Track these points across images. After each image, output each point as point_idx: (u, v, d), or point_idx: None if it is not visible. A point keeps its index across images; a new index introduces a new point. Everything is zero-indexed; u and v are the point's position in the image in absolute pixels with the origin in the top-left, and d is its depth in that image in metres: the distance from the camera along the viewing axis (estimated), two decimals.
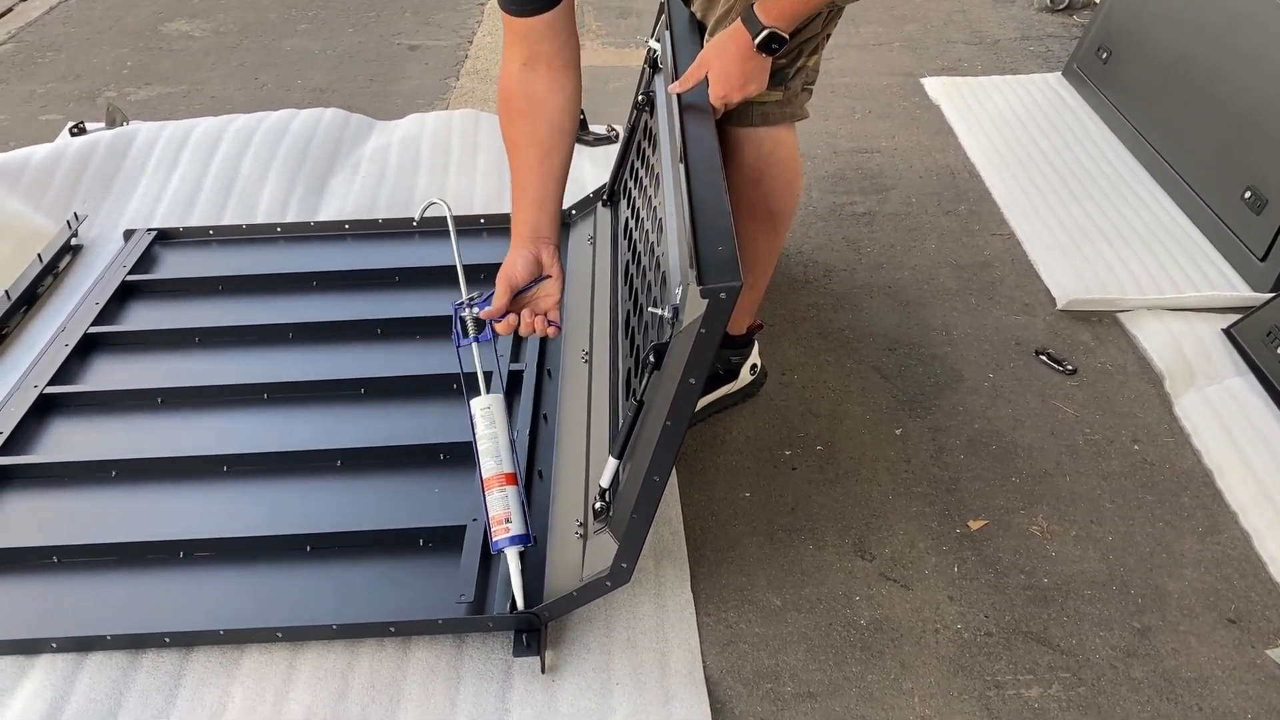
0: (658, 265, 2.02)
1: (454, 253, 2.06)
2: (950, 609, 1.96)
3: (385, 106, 4.01)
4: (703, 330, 1.52)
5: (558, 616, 1.86)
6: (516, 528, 1.81)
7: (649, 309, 1.99)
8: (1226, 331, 2.63)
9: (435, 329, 2.58)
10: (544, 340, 2.49)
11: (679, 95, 2.04)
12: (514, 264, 1.96)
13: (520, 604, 1.83)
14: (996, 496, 2.20)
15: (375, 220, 3.01)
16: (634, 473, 1.74)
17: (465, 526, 2.01)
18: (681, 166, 1.90)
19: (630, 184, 2.62)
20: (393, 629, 1.85)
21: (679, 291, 1.70)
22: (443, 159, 3.43)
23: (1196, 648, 1.89)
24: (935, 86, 4.07)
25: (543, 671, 1.82)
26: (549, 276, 2.00)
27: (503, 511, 1.82)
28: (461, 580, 1.89)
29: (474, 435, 1.88)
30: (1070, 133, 3.66)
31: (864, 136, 3.71)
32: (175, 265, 2.88)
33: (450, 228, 2.08)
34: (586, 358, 2.38)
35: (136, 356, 2.55)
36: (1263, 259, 2.79)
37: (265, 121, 3.50)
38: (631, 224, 2.47)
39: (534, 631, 1.85)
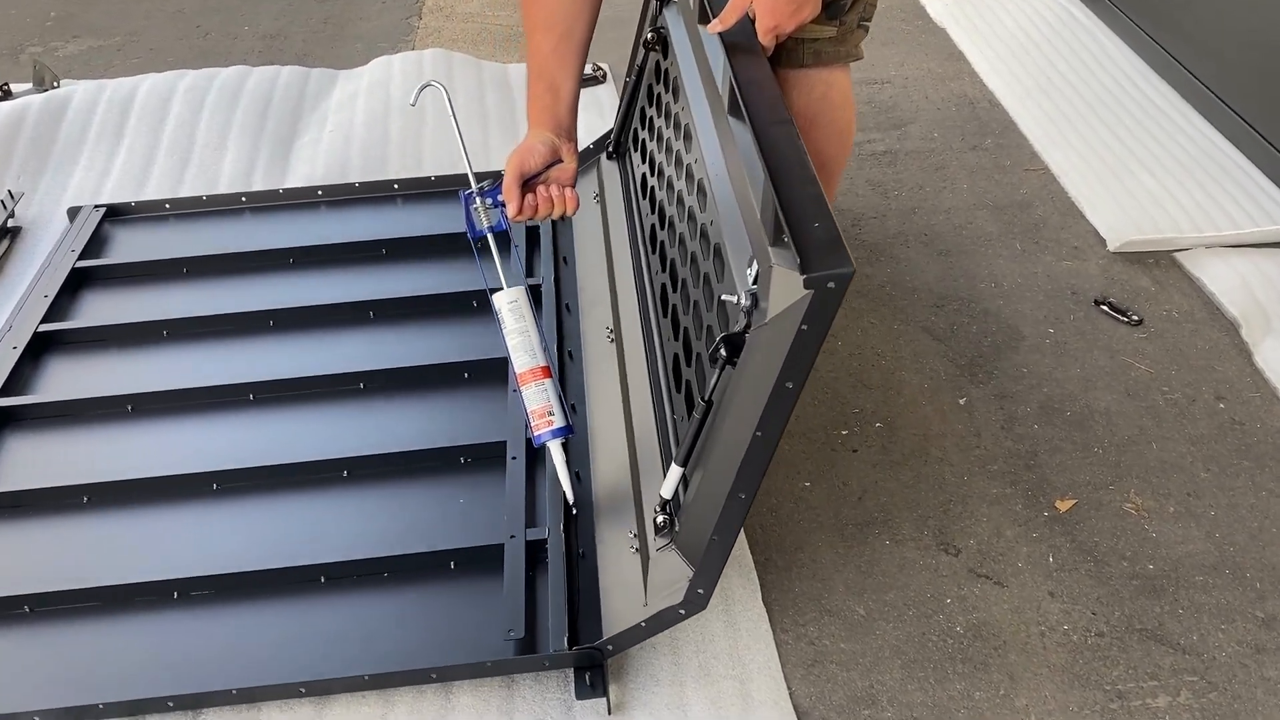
0: (703, 235, 1.76)
1: (458, 138, 1.84)
2: (1053, 607, 1.76)
3: (344, 52, 3.65)
4: (804, 327, 1.26)
5: (623, 650, 1.62)
6: (559, 420, 1.70)
7: (697, 288, 1.73)
8: None
9: (435, 309, 2.30)
10: (561, 319, 2.22)
11: (720, 35, 1.76)
12: (530, 148, 1.78)
13: (570, 497, 1.75)
14: (1080, 471, 1.99)
15: (351, 184, 2.69)
16: (709, 486, 1.49)
17: (502, 545, 1.75)
18: (735, 120, 1.63)
19: (644, 136, 2.34)
20: (434, 675, 1.60)
21: (751, 273, 1.44)
22: (416, 110, 3.10)
23: None
24: (938, 7, 3.79)
25: (609, 713, 1.59)
26: (560, 161, 1.81)
27: (543, 405, 1.70)
28: (508, 612, 1.64)
29: (502, 331, 1.75)
30: (1089, 54, 3.41)
31: (870, 66, 3.43)
32: (131, 247, 2.55)
33: (450, 110, 1.84)
34: (612, 336, 2.12)
35: (97, 357, 2.24)
36: None
37: (218, 80, 3.14)
38: (653, 182, 2.20)
39: (597, 668, 1.62)
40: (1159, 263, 2.52)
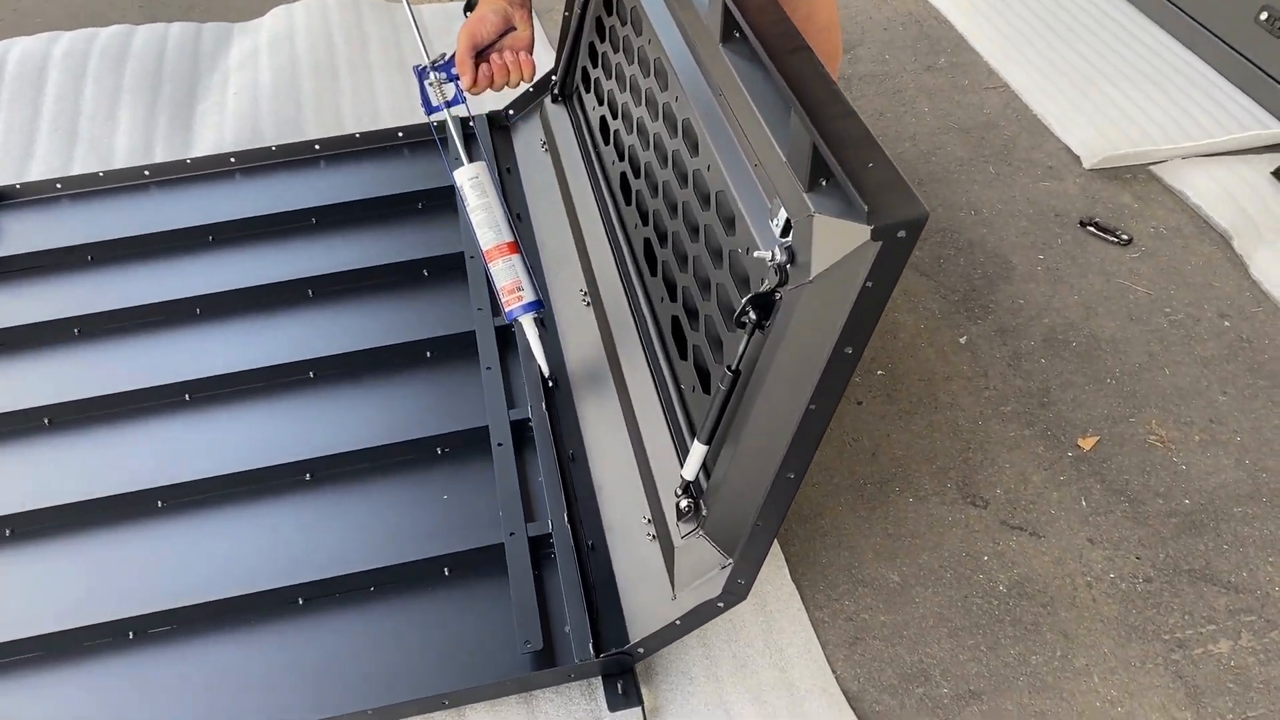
0: (695, 183, 1.58)
1: (409, 17, 1.73)
2: (1095, 555, 1.65)
3: (234, 2, 3.32)
4: (870, 284, 1.09)
5: (654, 652, 1.46)
6: (529, 294, 1.68)
7: (696, 242, 1.55)
8: (1277, 175, 2.35)
9: (383, 282, 2.08)
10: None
11: None
12: (482, 18, 1.66)
13: (545, 370, 1.73)
14: (1097, 404, 1.89)
15: (267, 149, 2.42)
16: (746, 466, 1.33)
17: (502, 545, 1.57)
18: (732, 51, 1.45)
19: (597, 74, 2.13)
20: (446, 701, 1.42)
21: (777, 224, 1.27)
22: (327, 60, 2.83)
23: None
24: None
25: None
26: (514, 29, 1.69)
27: (512, 280, 1.67)
28: (521, 622, 1.46)
29: (466, 208, 1.72)
30: None
31: None
32: (23, 235, 2.25)
33: None
34: (587, 298, 1.93)
35: (1, 364, 1.96)
36: None
37: (98, 42, 2.80)
38: (616, 125, 1.99)
39: (628, 674, 1.46)
40: (1137, 178, 2.42)
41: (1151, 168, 2.43)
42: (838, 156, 1.12)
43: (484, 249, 1.68)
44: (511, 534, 1.57)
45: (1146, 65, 2.75)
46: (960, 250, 2.24)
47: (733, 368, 1.32)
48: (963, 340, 2.02)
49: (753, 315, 1.27)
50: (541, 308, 1.70)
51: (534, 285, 1.69)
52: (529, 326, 1.71)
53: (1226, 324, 2.04)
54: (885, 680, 1.50)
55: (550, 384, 1.78)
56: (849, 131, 1.15)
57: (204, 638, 1.51)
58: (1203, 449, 1.80)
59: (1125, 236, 2.24)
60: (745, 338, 1.30)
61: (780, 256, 1.22)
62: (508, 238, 1.68)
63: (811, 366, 1.19)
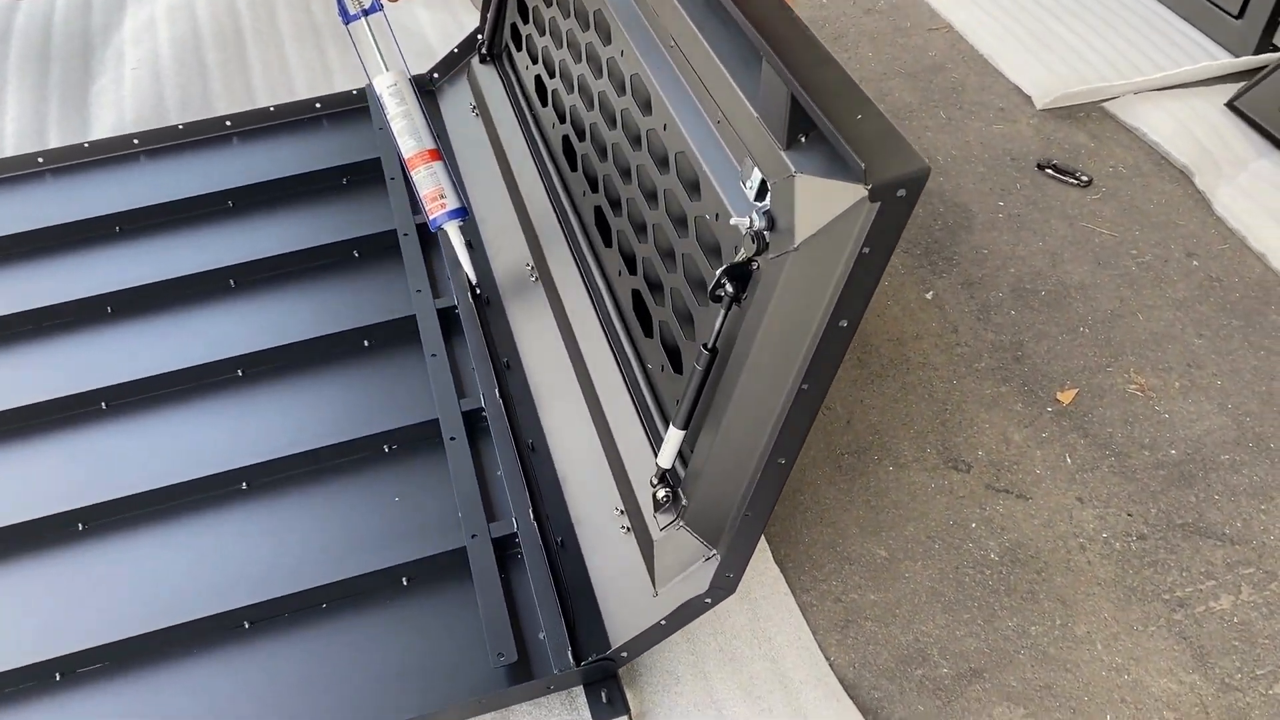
0: (650, 145, 1.45)
1: None
2: (1085, 515, 1.58)
3: None
4: (867, 250, 0.99)
5: (638, 655, 1.35)
6: (452, 202, 1.69)
7: (654, 209, 1.43)
8: (1231, 106, 2.29)
9: (309, 267, 1.92)
10: (470, 255, 1.88)
11: None
12: None
13: (472, 278, 1.74)
14: (1072, 355, 1.82)
15: (173, 128, 2.23)
16: (730, 451, 1.22)
17: (464, 549, 1.45)
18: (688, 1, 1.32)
19: (529, 31, 1.98)
20: None
21: (750, 186, 1.16)
22: (231, 28, 2.63)
23: None
24: None
25: None
26: None
27: (435, 188, 1.69)
28: (490, 633, 1.35)
29: (386, 115, 1.73)
30: None
31: None
32: None
33: None
34: (534, 274, 1.80)
35: None
36: (1239, 15, 2.45)
37: None
38: (554, 85, 1.86)
39: (611, 679, 1.35)
40: (1090, 116, 2.35)
41: (1105, 105, 2.36)
42: (822, 107, 1.00)
43: (405, 157, 1.70)
44: (473, 536, 1.45)
45: (1093, 1, 2.68)
46: (918, 201, 2.15)
47: (709, 346, 1.21)
48: (929, 296, 1.93)
49: (729, 288, 1.16)
50: (465, 215, 1.70)
51: (457, 193, 1.70)
52: (454, 234, 1.71)
53: (1195, 263, 1.98)
54: (881, 664, 1.41)
55: (477, 293, 1.77)
56: (829, 79, 1.04)
57: (140, 674, 1.37)
58: (1184, 395, 1.74)
59: (1085, 178, 2.17)
60: (722, 313, 1.19)
61: (758, 223, 1.11)
62: (429, 145, 1.70)
63: (801, 342, 1.08)
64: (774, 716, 1.34)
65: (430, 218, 1.68)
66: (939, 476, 1.63)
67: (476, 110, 2.17)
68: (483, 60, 2.21)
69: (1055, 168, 2.19)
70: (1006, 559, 1.53)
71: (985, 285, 1.95)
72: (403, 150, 1.69)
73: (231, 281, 1.90)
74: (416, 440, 1.62)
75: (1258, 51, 2.42)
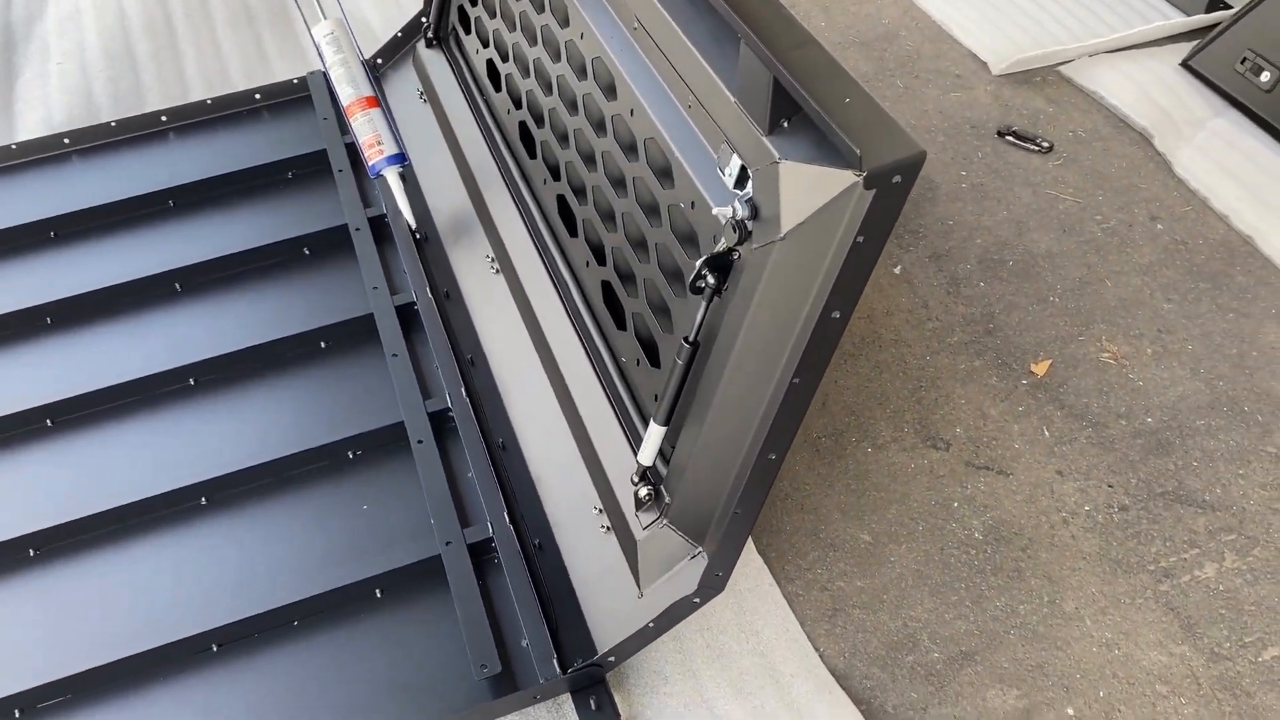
0: (610, 129, 1.40)
1: None
2: (1066, 488, 1.57)
3: None
4: (861, 238, 0.95)
5: (626, 659, 1.31)
6: (390, 147, 1.72)
7: (623, 197, 1.38)
8: (1186, 66, 2.29)
9: (259, 266, 1.85)
10: (423, 251, 1.82)
11: None
12: None
13: (411, 223, 1.77)
14: (1043, 325, 1.80)
15: (106, 125, 2.13)
16: (715, 447, 1.18)
17: (439, 557, 1.40)
18: None
19: (477, 13, 1.91)
20: None
21: (730, 173, 1.12)
22: (161, 17, 2.53)
23: None
24: None
25: None
26: None
27: (372, 134, 1.72)
28: (471, 644, 1.30)
29: (324, 64, 1.74)
30: None
31: None
32: None
33: None
34: (495, 265, 1.74)
35: None
36: None
37: None
38: (507, 69, 1.79)
39: (599, 685, 1.31)
40: (1047, 80, 2.33)
41: (1060, 69, 2.34)
42: (809, 91, 0.96)
43: (344, 105, 1.72)
44: (448, 543, 1.40)
45: None
46: None
47: (690, 339, 1.17)
48: (897, 270, 1.91)
49: (710, 279, 1.12)
50: (404, 160, 1.74)
51: (395, 139, 1.72)
52: (393, 180, 1.73)
53: (1159, 227, 1.97)
54: (872, 652, 1.39)
55: (417, 237, 1.80)
56: (813, 61, 0.99)
57: (107, 706, 1.31)
58: (1156, 362, 1.73)
59: (1045, 144, 2.15)
60: (703, 305, 1.14)
61: (741, 211, 1.07)
62: (366, 92, 1.73)
63: (790, 335, 1.04)
64: (767, 713, 1.31)
65: (369, 164, 1.72)
66: (918, 456, 1.61)
67: (424, 97, 2.10)
68: (429, 44, 2.13)
69: (1015, 135, 2.17)
70: (991, 537, 1.51)
71: (953, 258, 1.92)
72: (341, 98, 1.73)
73: (177, 285, 1.82)
74: (382, 445, 1.57)
75: (1209, 10, 2.42)
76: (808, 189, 1.00)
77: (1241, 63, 2.17)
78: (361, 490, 1.52)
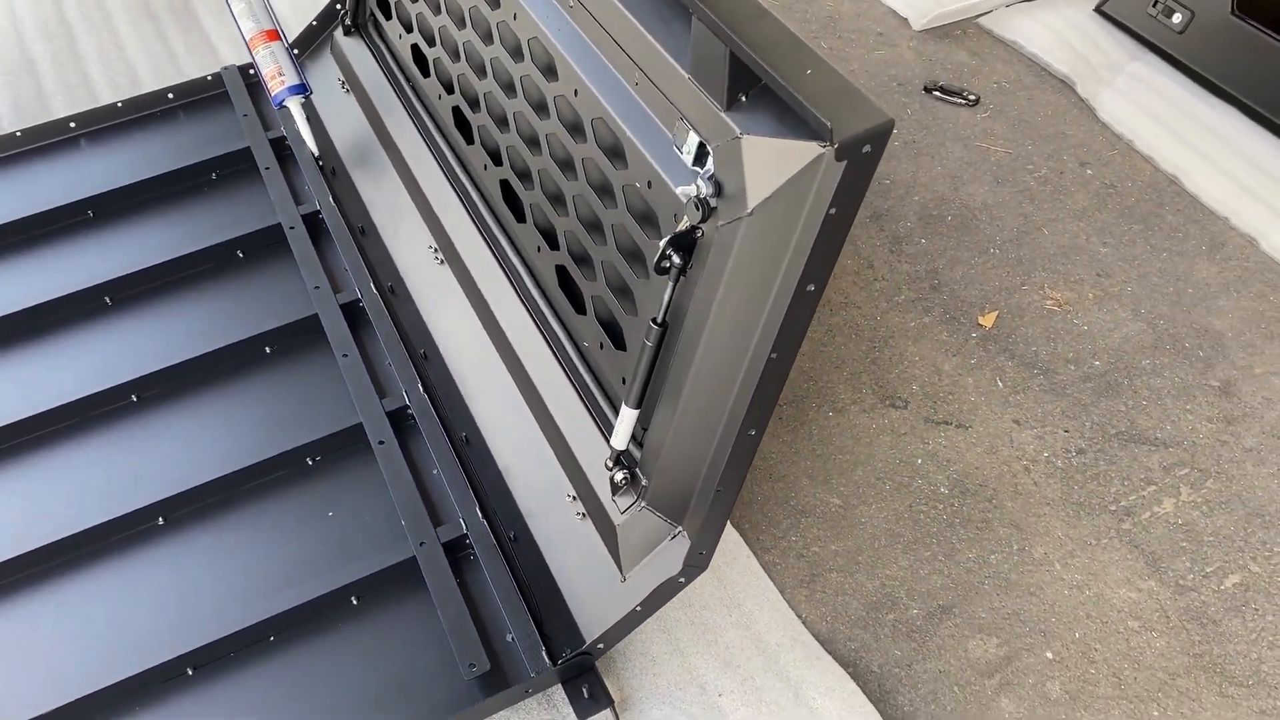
0: (554, 111, 1.38)
1: None
2: (1024, 436, 1.60)
3: None
4: (833, 210, 0.95)
5: (614, 645, 1.31)
6: (291, 78, 1.79)
7: (573, 179, 1.36)
8: (1100, 11, 2.33)
9: (192, 273, 1.79)
10: (363, 247, 1.78)
11: None
12: None
13: (315, 151, 1.86)
14: (987, 277, 1.83)
15: (11, 135, 2.03)
16: (689, 426, 1.18)
17: (414, 558, 1.38)
18: None
19: (404, 1, 1.86)
20: None
21: (687, 151, 1.10)
22: (56, 17, 2.41)
23: None
24: None
25: (617, 718, 1.30)
26: None
27: (274, 66, 1.79)
28: (457, 644, 1.28)
29: (229, 6, 1.80)
30: None
31: None
32: None
33: None
34: (439, 256, 1.71)
35: None
36: None
37: None
38: (435, 54, 1.75)
39: (589, 673, 1.31)
40: (967, 33, 2.35)
41: (979, 21, 2.37)
42: (772, 64, 0.95)
43: (247, 38, 1.78)
44: (421, 544, 1.38)
45: None
46: None
47: (659, 320, 1.16)
48: None
49: (676, 259, 1.11)
50: (305, 91, 1.81)
51: (296, 70, 1.80)
52: (295, 110, 1.80)
53: (1089, 172, 2.01)
54: (853, 613, 1.41)
55: (320, 164, 1.87)
56: (771, 34, 0.98)
57: None
58: (1098, 305, 1.77)
59: (972, 96, 2.17)
60: (670, 285, 1.13)
61: (704, 189, 1.06)
62: (267, 25, 1.79)
63: (764, 310, 1.04)
64: (757, 685, 1.32)
65: (272, 95, 1.79)
66: (878, 416, 1.63)
67: (347, 86, 2.04)
68: (347, 32, 2.07)
69: (942, 89, 2.19)
70: (956, 491, 1.53)
71: (893, 216, 1.94)
72: (244, 33, 1.79)
73: (107, 299, 1.75)
74: (340, 449, 1.53)
75: None
76: (773, 163, 0.99)
77: (1153, 5, 2.22)
78: (325, 497, 1.48)
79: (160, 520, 1.46)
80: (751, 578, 1.44)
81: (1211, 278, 1.80)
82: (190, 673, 1.32)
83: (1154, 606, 1.40)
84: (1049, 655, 1.36)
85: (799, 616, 1.40)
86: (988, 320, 1.76)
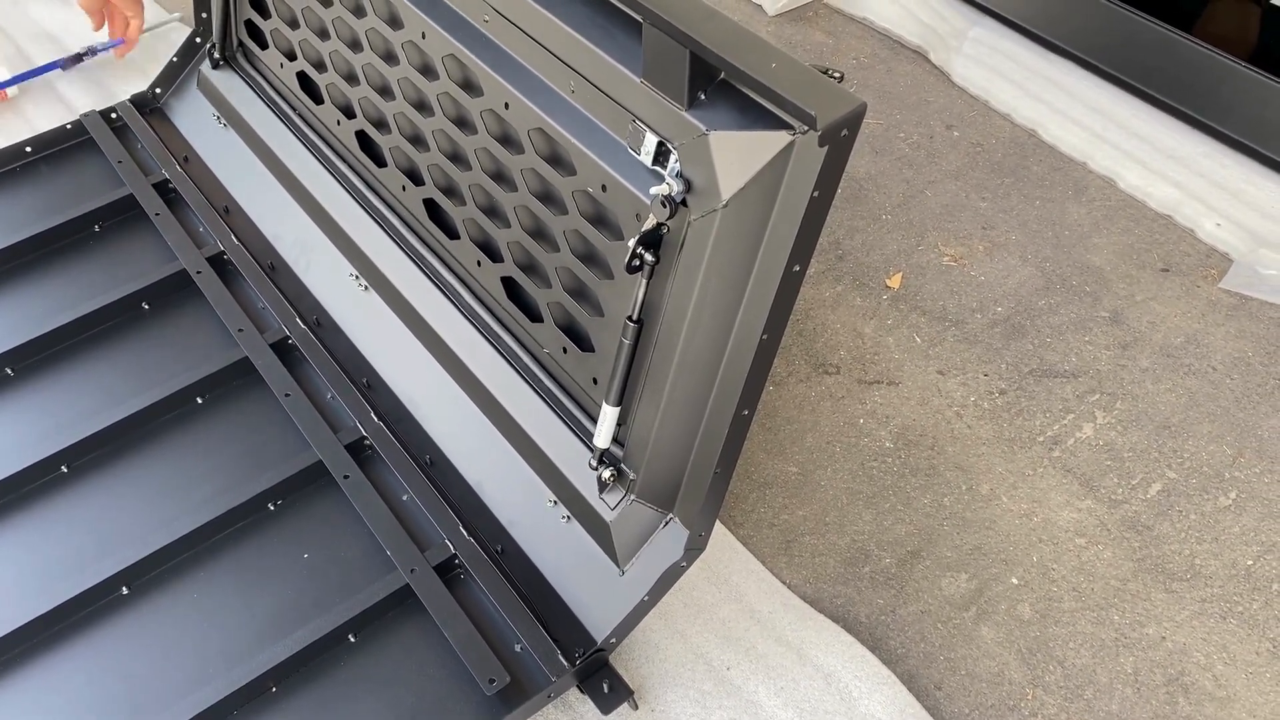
0: (482, 126, 1.39)
1: None
2: (950, 384, 1.71)
3: None
4: (817, 193, 1.01)
5: (624, 637, 1.34)
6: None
7: (513, 191, 1.38)
8: None
9: (101, 329, 1.71)
10: (280, 285, 1.74)
11: None
12: None
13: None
14: (885, 243, 1.94)
15: None
16: (677, 415, 1.22)
17: (408, 586, 1.37)
18: None
19: (272, 26, 1.82)
20: None
21: (645, 151, 1.14)
22: None
23: (1162, 310, 1.82)
24: None
25: (635, 709, 1.33)
26: None
27: None
28: (473, 662, 1.29)
29: None
30: None
31: None
32: None
33: None
34: (363, 283, 1.69)
35: None
36: None
37: None
38: (327, 80, 1.72)
39: (604, 669, 1.34)
40: (819, 14, 2.47)
41: (829, 2, 2.49)
42: (739, 61, 1.00)
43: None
44: (413, 570, 1.37)
45: None
46: None
47: (634, 318, 1.20)
48: None
49: (648, 257, 1.15)
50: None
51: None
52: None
53: (956, 134, 2.15)
54: (832, 572, 1.48)
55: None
56: (729, 32, 1.03)
57: None
58: (989, 256, 1.91)
59: (836, 74, 2.27)
60: (643, 282, 1.17)
61: (674, 187, 1.10)
62: None
63: (744, 294, 1.09)
64: (760, 652, 1.38)
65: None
66: (815, 384, 1.71)
67: (224, 122, 1.98)
68: (215, 65, 2.01)
69: None
70: (901, 443, 1.63)
71: None
72: None
73: (9, 370, 1.65)
74: (300, 489, 1.50)
75: None
76: (742, 155, 1.04)
77: None
78: (296, 539, 1.45)
79: (124, 590, 1.40)
80: (732, 554, 1.49)
81: (1082, 218, 1.97)
82: None
83: (1094, 522, 1.53)
84: (1014, 581, 1.47)
85: (784, 583, 1.46)
86: (894, 282, 1.86)
